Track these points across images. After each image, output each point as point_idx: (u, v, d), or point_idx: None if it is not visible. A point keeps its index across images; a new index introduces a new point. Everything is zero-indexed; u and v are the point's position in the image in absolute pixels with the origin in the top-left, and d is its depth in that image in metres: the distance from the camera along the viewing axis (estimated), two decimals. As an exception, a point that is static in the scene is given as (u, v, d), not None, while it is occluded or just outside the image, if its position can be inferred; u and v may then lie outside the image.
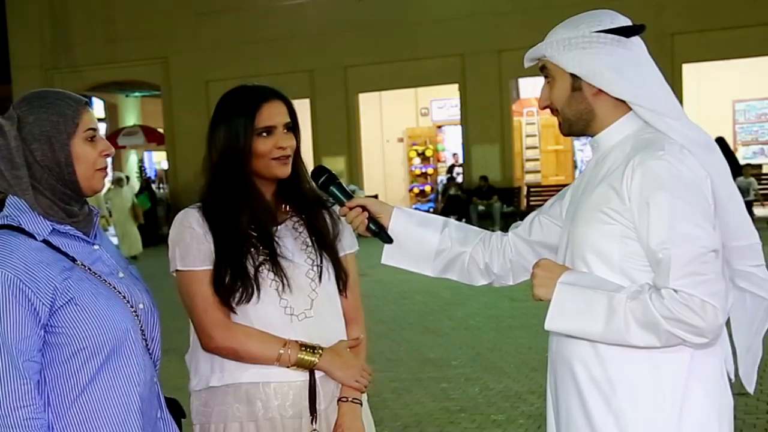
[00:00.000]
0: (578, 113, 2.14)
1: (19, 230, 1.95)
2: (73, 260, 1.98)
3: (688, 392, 2.02)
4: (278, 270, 2.32)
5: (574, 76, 2.11)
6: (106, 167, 2.07)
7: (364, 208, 2.40)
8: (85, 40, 22.89)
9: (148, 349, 2.08)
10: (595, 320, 1.99)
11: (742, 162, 20.05)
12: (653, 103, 2.08)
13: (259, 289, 2.30)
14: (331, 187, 2.41)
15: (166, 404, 2.20)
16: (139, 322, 2.05)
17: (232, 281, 2.29)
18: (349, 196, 2.42)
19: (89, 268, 2.00)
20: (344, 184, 2.47)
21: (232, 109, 2.36)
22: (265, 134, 2.33)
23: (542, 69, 2.18)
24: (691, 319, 1.91)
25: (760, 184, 19.53)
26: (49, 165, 1.99)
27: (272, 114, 2.34)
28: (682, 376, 2.02)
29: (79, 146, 2.01)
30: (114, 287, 2.02)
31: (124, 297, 2.03)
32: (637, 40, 2.12)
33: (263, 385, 2.31)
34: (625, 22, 2.12)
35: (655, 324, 1.93)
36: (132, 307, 2.04)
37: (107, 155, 2.06)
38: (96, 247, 2.07)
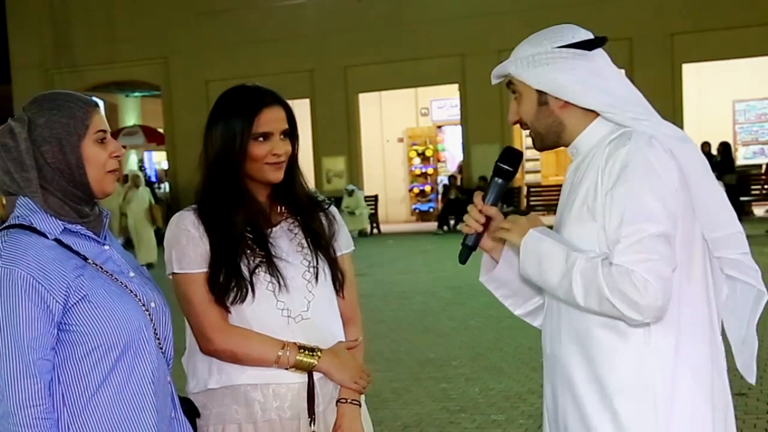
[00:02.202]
0: (547, 126, 2.18)
1: (31, 229, 1.96)
2: (85, 259, 1.99)
3: (677, 380, 2.04)
4: (274, 271, 2.32)
5: (540, 92, 2.14)
6: (116, 169, 2.07)
7: (489, 222, 2.24)
8: (86, 40, 22.92)
9: (161, 348, 2.08)
10: (553, 272, 2.04)
11: (742, 162, 20.11)
12: (621, 109, 2.11)
13: (253, 290, 2.29)
14: (496, 178, 2.26)
15: (180, 404, 2.19)
16: (151, 320, 2.05)
17: (227, 281, 2.29)
18: (498, 200, 2.25)
19: (101, 267, 2.01)
20: (501, 190, 2.27)
21: (232, 109, 2.35)
22: (261, 139, 2.32)
23: (508, 85, 2.21)
24: (632, 293, 1.93)
25: (758, 184, 19.55)
26: (59, 167, 1.99)
27: (271, 119, 2.33)
28: (668, 364, 2.04)
29: (90, 148, 2.01)
30: (126, 286, 2.03)
31: (136, 295, 2.04)
32: (599, 52, 2.16)
33: (261, 386, 2.30)
34: (586, 35, 2.16)
35: (598, 289, 1.96)
36: (144, 305, 2.04)
37: (118, 157, 2.07)
38: (106, 247, 2.07)
